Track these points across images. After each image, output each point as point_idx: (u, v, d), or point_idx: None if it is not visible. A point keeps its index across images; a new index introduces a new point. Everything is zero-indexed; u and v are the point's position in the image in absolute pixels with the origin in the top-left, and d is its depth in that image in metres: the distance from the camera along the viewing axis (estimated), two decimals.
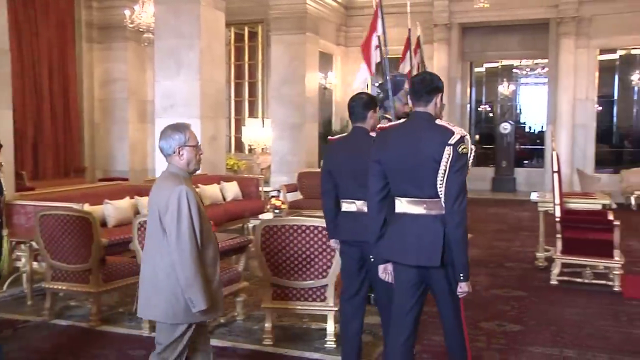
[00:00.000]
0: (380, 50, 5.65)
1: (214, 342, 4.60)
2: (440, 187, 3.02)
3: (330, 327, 4.51)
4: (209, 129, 9.31)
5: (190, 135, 3.11)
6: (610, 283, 6.12)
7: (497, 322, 5.07)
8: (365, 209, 3.52)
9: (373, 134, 3.86)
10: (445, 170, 3.00)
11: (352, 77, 14.74)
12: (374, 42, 6.25)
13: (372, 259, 3.50)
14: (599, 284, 6.20)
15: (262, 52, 15.09)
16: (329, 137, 4.55)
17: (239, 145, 15.24)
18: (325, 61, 14.40)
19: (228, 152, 14.57)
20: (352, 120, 4.01)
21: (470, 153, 3.09)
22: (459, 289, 3.11)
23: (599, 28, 13.32)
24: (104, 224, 6.66)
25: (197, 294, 2.93)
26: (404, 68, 7.66)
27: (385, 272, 3.32)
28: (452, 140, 3.00)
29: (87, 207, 6.25)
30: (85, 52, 13.23)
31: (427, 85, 3.20)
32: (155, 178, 8.81)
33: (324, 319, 4.61)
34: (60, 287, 5.24)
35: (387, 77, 5.54)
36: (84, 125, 13.29)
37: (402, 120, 3.60)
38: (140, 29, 10.89)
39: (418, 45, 8.77)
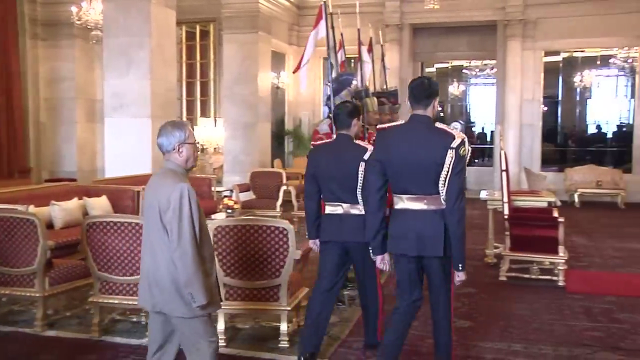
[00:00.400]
0: (328, 50, 5.66)
1: None
2: (442, 187, 3.35)
3: (284, 326, 4.51)
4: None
5: (189, 133, 3.15)
6: (555, 278, 6.32)
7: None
8: (352, 211, 3.99)
9: (358, 141, 4.17)
10: (447, 172, 3.31)
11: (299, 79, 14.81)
12: (330, 42, 6.27)
13: (371, 251, 3.69)
14: (545, 279, 6.39)
15: (214, 51, 14.95)
16: (313, 143, 4.91)
17: None
18: (278, 60, 14.38)
19: None
20: (337, 127, 4.22)
21: (468, 154, 3.37)
22: (457, 278, 3.50)
23: (543, 31, 13.74)
24: (50, 225, 6.47)
25: (197, 290, 2.98)
26: (365, 68, 7.67)
27: (383, 262, 3.65)
28: (454, 144, 3.30)
29: (32, 208, 6.08)
30: (29, 49, 12.83)
31: (426, 90, 3.46)
32: (105, 179, 8.69)
33: (277, 318, 4.61)
34: (3, 291, 5.08)
35: (332, 77, 5.56)
36: (29, 124, 12.88)
37: (401, 121, 3.78)
38: (88, 26, 10.64)
39: (371, 46, 8.83)
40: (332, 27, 6.37)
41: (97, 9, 10.23)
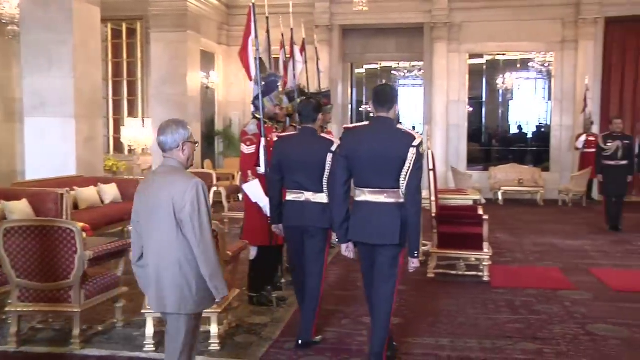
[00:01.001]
0: (258, 50, 5.63)
1: (91, 351, 4.42)
2: (402, 182, 3.70)
3: (214, 329, 4.45)
4: (85, 129, 8.88)
5: (191, 132, 3.21)
6: (480, 274, 6.53)
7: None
8: (314, 199, 4.37)
9: (323, 134, 4.70)
10: (409, 168, 3.68)
11: (235, 78, 14.70)
12: (265, 45, 6.25)
13: (337, 240, 4.04)
14: (471, 275, 6.60)
15: (141, 50, 14.60)
16: (277, 135, 5.21)
17: (118, 146, 14.65)
18: (208, 60, 14.20)
19: (106, 153, 13.96)
20: (302, 121, 4.64)
21: (424, 152, 3.81)
22: (411, 264, 3.86)
23: (468, 34, 14.21)
24: None
25: (221, 282, 3.08)
26: (296, 68, 7.67)
27: (348, 250, 3.99)
28: (416, 143, 3.69)
29: None
30: None
31: (388, 95, 3.88)
32: (26, 181, 8.32)
33: (207, 321, 4.55)
34: None
35: (260, 77, 5.55)
36: None
37: (366, 122, 4.18)
38: (3, 20, 10.14)
39: (304, 46, 8.86)
40: (268, 29, 6.37)
41: (13, 2, 9.77)
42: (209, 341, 4.45)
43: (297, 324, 4.67)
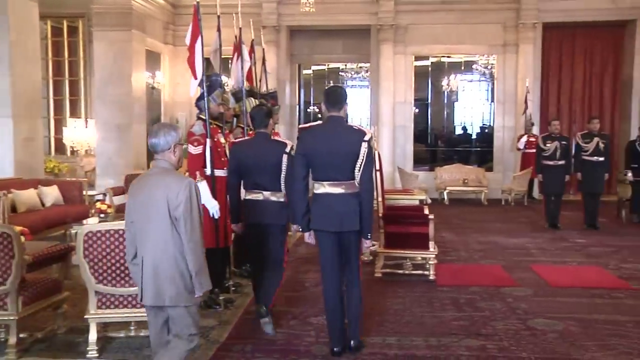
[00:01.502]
0: (202, 50, 5.57)
1: None
2: (357, 173, 4.11)
3: None
4: (23, 129, 8.60)
5: (181, 135, 3.39)
6: (426, 273, 6.64)
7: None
8: (272, 198, 4.77)
9: (276, 137, 5.24)
10: (362, 160, 4.09)
11: (182, 78, 14.49)
12: (214, 44, 6.18)
13: (300, 230, 4.39)
14: (417, 274, 6.70)
15: (83, 49, 14.23)
16: (233, 140, 5.56)
17: (60, 147, 14.25)
18: (153, 60, 13.95)
19: (47, 154, 13.56)
20: (255, 126, 4.98)
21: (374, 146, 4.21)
22: (366, 244, 4.32)
23: (413, 36, 14.45)
24: None
25: (205, 278, 3.28)
26: (244, 67, 7.60)
27: (310, 237, 4.34)
28: (367, 138, 4.11)
29: None
30: None
31: (339, 96, 4.27)
32: None
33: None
34: None
35: (204, 77, 5.50)
36: None
37: (319, 122, 4.66)
38: None
39: (252, 47, 8.81)
40: (219, 28, 6.30)
41: None
42: None
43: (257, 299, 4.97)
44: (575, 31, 14.57)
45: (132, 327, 4.76)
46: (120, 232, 4.28)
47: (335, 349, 4.35)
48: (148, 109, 13.44)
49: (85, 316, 4.40)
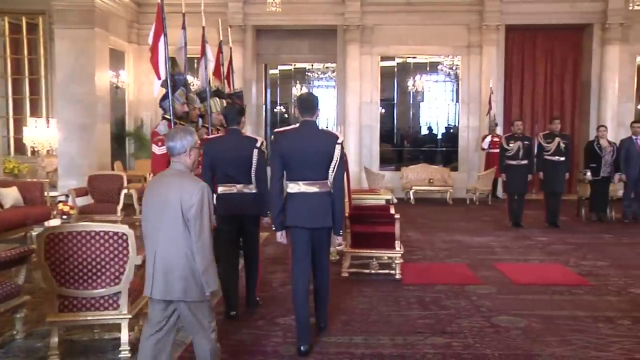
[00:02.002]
0: (166, 50, 5.52)
1: None
2: (330, 173, 4.40)
3: (125, 336, 4.32)
4: None
5: (196, 139, 3.57)
6: (392, 272, 6.69)
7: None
8: (245, 190, 5.08)
9: (247, 134, 5.57)
10: (336, 161, 4.39)
11: (146, 77, 14.32)
12: (179, 43, 6.12)
13: (274, 228, 4.60)
14: (384, 273, 6.75)
15: (44, 47, 13.93)
16: (205, 137, 5.74)
17: (20, 147, 13.92)
18: (117, 59, 13.74)
19: (6, 154, 13.25)
20: (228, 124, 5.27)
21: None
22: (337, 241, 4.67)
23: (379, 37, 14.55)
24: None
25: (212, 277, 3.41)
26: (208, 67, 7.55)
27: (282, 237, 4.57)
28: (339, 141, 4.45)
29: None
30: None
31: (312, 102, 4.58)
32: None
33: (117, 328, 4.41)
34: None
35: (168, 77, 5.44)
36: None
37: (294, 126, 4.89)
38: None
39: (220, 47, 8.76)
40: (184, 26, 6.24)
41: None
42: (119, 348, 4.32)
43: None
44: (536, 33, 14.88)
45: (95, 331, 4.68)
46: (83, 233, 4.21)
47: (302, 348, 4.40)
48: (112, 108, 13.23)
49: (47, 319, 4.31)
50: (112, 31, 13.11)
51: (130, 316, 4.33)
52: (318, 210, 4.42)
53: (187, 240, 3.36)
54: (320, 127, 4.63)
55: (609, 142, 10.79)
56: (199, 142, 3.63)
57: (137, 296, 4.55)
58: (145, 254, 3.54)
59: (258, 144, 5.09)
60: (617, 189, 11.02)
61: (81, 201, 9.41)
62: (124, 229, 4.30)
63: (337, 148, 4.40)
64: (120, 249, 4.26)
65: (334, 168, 4.40)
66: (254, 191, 5.10)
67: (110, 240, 4.24)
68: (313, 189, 4.43)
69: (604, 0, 13.36)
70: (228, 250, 5.21)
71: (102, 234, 4.23)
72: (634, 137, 10.71)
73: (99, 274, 4.27)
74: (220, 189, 5.11)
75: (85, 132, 12.08)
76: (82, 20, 12.00)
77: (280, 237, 4.58)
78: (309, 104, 4.58)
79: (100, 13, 12.37)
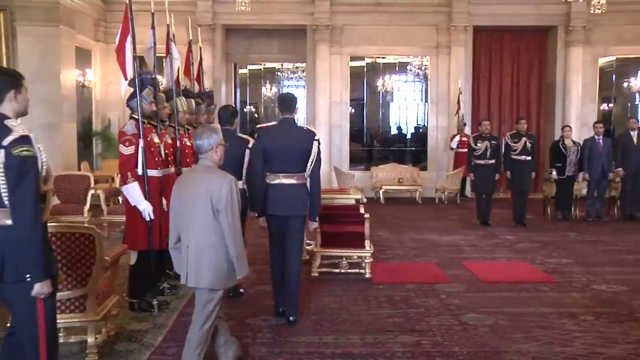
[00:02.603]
0: (134, 48, 5.44)
1: None
2: (309, 166, 4.91)
3: (91, 338, 4.26)
4: None
5: (222, 136, 3.82)
6: (362, 271, 6.72)
7: (262, 317, 5.26)
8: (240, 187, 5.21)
9: (240, 135, 5.97)
10: (314, 156, 4.90)
11: (114, 76, 14.12)
12: (149, 42, 6.04)
13: (255, 215, 5.19)
14: (354, 273, 6.77)
15: (6, 44, 13.58)
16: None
17: None
18: (84, 57, 13.51)
19: None
20: (222, 124, 5.64)
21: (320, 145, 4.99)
22: (312, 226, 5.26)
23: (349, 37, 14.61)
24: None
25: (244, 262, 3.70)
26: (174, 66, 7.45)
27: (263, 222, 5.10)
28: (317, 137, 4.95)
29: None
30: None
31: (292, 101, 5.04)
32: None
33: (84, 330, 4.34)
34: None
35: (136, 76, 5.38)
36: None
37: (275, 122, 5.62)
38: None
39: (190, 46, 8.67)
40: (153, 25, 6.16)
41: None
42: (86, 352, 4.25)
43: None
44: (503, 35, 15.11)
45: (60, 334, 4.59)
46: (49, 234, 4.12)
47: (281, 309, 5.13)
48: (78, 108, 13.01)
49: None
50: (78, 29, 12.89)
51: (97, 318, 4.27)
52: (294, 200, 4.89)
53: (217, 230, 3.60)
54: (299, 125, 5.12)
55: (574, 142, 11.01)
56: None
57: (104, 298, 4.49)
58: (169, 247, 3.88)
59: (250, 145, 5.47)
60: (581, 187, 11.25)
61: None
62: (90, 230, 4.24)
63: (315, 144, 4.87)
64: (87, 250, 4.19)
65: (312, 162, 4.89)
66: (244, 187, 5.46)
67: (77, 242, 4.17)
68: (291, 180, 4.93)
69: (567, 3, 13.62)
70: None
71: (67, 235, 4.15)
72: (596, 137, 10.95)
73: (65, 276, 4.19)
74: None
75: (50, 132, 11.84)
76: (47, 18, 11.78)
77: (262, 222, 5.12)
78: (288, 102, 5.04)
79: (65, 10, 12.16)
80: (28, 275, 2.91)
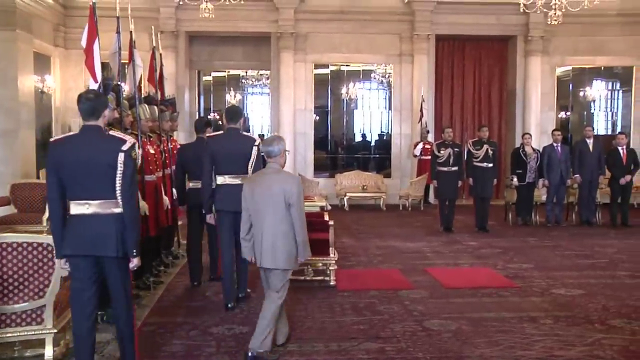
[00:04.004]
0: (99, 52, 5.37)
1: None
2: (250, 168, 5.54)
3: (49, 351, 4.16)
4: None
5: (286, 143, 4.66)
6: (327, 278, 6.72)
7: (226, 326, 5.21)
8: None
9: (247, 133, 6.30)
10: (253, 159, 5.56)
11: (74, 82, 13.87)
12: (114, 47, 5.97)
13: (204, 211, 5.83)
14: (318, 280, 6.75)
15: None
16: (182, 144, 7.63)
17: None
18: (42, 63, 13.21)
19: None
20: (196, 132, 7.06)
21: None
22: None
23: (313, 45, 14.66)
24: None
25: (307, 247, 4.52)
26: (137, 72, 7.35)
27: (211, 219, 5.82)
28: (256, 143, 5.59)
29: None
30: None
31: (236, 113, 5.81)
32: None
33: (41, 343, 4.23)
34: None
35: (100, 81, 5.30)
36: None
37: (222, 132, 6.10)
38: None
39: (154, 53, 8.57)
40: (118, 30, 6.08)
41: None
42: None
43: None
44: (465, 44, 15.36)
45: (16, 348, 4.45)
46: (4, 245, 4.03)
47: (229, 305, 5.63)
48: (37, 114, 12.71)
49: None
50: (36, 34, 12.61)
51: (55, 330, 4.17)
52: (240, 198, 4.92)
53: (288, 221, 4.36)
54: (242, 133, 5.82)
55: (533, 149, 11.24)
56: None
57: (63, 309, 4.39)
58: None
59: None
60: (541, 194, 11.48)
61: (3, 211, 9.00)
62: (48, 239, 4.13)
63: (254, 149, 5.55)
64: (45, 260, 4.10)
65: (252, 164, 5.55)
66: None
67: (35, 252, 4.08)
68: (236, 181, 5.49)
69: (526, 14, 13.93)
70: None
71: (25, 245, 4.06)
72: (554, 144, 11.20)
73: (21, 287, 4.10)
74: (191, 184, 6.64)
75: (8, 139, 11.56)
76: (3, 22, 11.48)
77: (210, 219, 5.82)
78: (234, 114, 5.79)
79: (22, 14, 11.88)
80: (134, 251, 3.75)
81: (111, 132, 3.95)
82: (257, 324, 4.42)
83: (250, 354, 4.28)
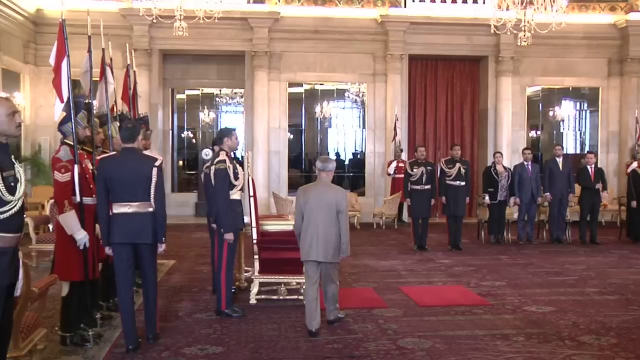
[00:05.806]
0: (69, 72, 5.32)
1: None
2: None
3: None
4: None
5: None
6: (301, 297, 6.67)
7: (199, 347, 5.14)
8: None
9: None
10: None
11: (45, 100, 13.70)
12: (85, 66, 5.92)
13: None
14: (292, 299, 6.72)
15: None
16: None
17: None
18: (11, 80, 13.06)
19: None
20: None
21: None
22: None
23: (287, 64, 14.75)
24: None
25: (348, 247, 5.61)
26: (109, 90, 7.30)
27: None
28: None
29: None
30: None
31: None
32: None
33: None
34: None
35: (71, 99, 5.25)
36: None
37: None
38: None
39: (128, 71, 8.53)
40: (90, 49, 6.05)
41: None
42: None
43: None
44: (437, 64, 15.62)
45: None
46: None
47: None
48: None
49: None
50: (5, 50, 12.48)
51: (21, 354, 4.06)
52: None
53: (337, 224, 5.45)
54: (142, 153, 5.24)
55: (504, 168, 11.40)
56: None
57: (30, 331, 4.28)
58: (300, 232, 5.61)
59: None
60: (512, 212, 11.63)
61: None
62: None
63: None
64: None
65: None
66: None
67: None
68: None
69: (496, 35, 14.22)
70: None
71: None
72: (525, 163, 11.38)
73: None
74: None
75: None
76: None
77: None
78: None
79: None
80: (164, 238, 4.97)
81: (145, 152, 5.30)
82: (324, 301, 5.65)
83: (329, 320, 5.74)
